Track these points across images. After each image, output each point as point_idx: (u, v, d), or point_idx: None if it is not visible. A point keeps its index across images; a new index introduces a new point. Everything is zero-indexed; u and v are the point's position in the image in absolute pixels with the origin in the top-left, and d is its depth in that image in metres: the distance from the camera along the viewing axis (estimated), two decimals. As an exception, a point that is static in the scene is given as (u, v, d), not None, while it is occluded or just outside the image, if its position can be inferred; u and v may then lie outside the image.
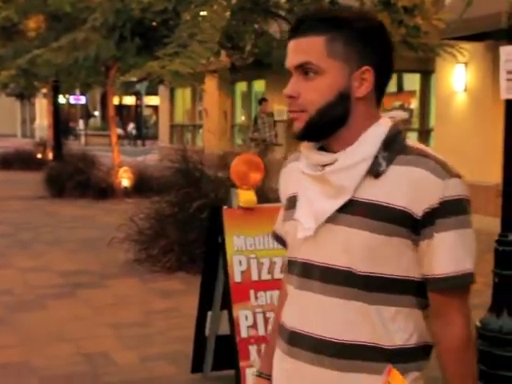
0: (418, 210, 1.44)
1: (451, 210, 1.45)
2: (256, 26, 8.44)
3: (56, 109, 18.27)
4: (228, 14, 7.90)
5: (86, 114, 43.57)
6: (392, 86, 15.98)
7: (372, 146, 1.48)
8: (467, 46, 9.95)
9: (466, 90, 11.56)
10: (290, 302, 1.62)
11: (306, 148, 1.55)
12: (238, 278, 3.73)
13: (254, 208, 3.87)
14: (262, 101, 15.37)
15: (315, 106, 1.47)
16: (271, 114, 15.19)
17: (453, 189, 1.45)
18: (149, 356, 4.80)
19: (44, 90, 21.48)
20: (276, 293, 3.75)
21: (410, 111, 15.39)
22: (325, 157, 1.51)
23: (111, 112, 14.51)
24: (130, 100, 46.93)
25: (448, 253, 1.46)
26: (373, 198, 1.46)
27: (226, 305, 3.79)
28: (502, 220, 4.57)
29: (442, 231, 1.45)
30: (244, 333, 3.66)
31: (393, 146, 1.49)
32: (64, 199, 13.43)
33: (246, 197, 3.85)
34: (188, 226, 7.14)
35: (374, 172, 1.47)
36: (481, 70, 11.16)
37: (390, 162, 1.47)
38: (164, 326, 5.46)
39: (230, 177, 4.00)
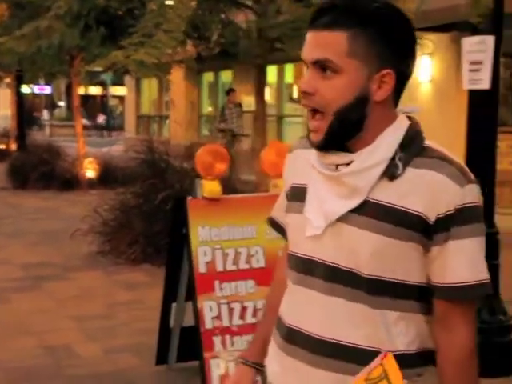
0: (432, 215, 1.40)
1: (467, 218, 1.40)
2: (222, 15, 8.40)
3: (19, 99, 18.01)
4: (194, 3, 7.85)
5: (51, 104, 43.01)
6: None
7: (389, 148, 1.43)
8: (432, 37, 10.03)
9: (431, 81, 11.66)
10: (288, 296, 1.59)
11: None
12: (202, 268, 3.72)
13: (219, 199, 3.85)
14: (229, 91, 15.33)
15: (333, 107, 1.41)
16: (239, 105, 15.15)
17: (470, 196, 1.40)
18: (113, 348, 4.76)
19: (7, 80, 21.12)
20: (241, 283, 3.75)
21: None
22: (340, 157, 1.45)
23: (76, 102, 14.33)
24: (95, 90, 46.44)
25: (461, 262, 1.41)
26: (386, 200, 1.42)
27: (191, 296, 3.78)
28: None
29: (458, 239, 1.40)
30: (208, 324, 3.65)
31: (411, 148, 1.44)
32: (27, 190, 13.25)
33: (210, 187, 3.83)
34: (153, 217, 7.10)
35: (390, 174, 1.42)
36: (445, 61, 11.26)
37: (406, 164, 1.42)
38: (128, 318, 5.43)
39: (195, 167, 3.98)
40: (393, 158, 1.42)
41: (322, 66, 1.41)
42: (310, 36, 1.44)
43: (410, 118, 1.50)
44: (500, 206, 5.15)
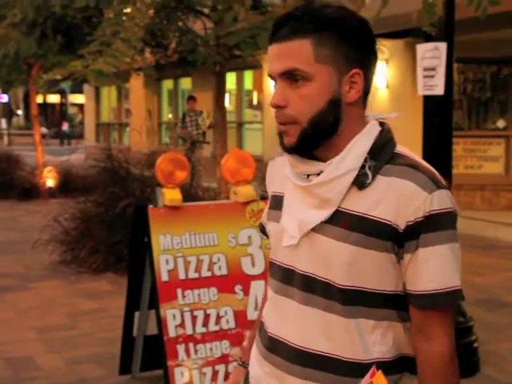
0: (401, 223, 1.38)
1: (437, 225, 1.38)
2: (180, 23, 8.40)
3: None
4: (151, 11, 7.85)
5: (9, 112, 42.40)
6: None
7: (358, 156, 1.41)
8: (387, 43, 10.18)
9: (387, 87, 11.82)
10: (269, 305, 1.60)
11: (291, 156, 1.49)
12: (165, 277, 3.73)
13: (179, 206, 3.86)
14: (189, 99, 15.31)
15: (306, 116, 1.40)
16: (199, 112, 15.15)
17: (438, 202, 1.38)
18: (75, 359, 4.73)
19: (-37, 89, 20.78)
20: (203, 291, 3.76)
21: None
22: (311, 167, 1.44)
23: (34, 111, 14.18)
24: (54, 98, 45.92)
25: (431, 269, 1.39)
26: (357, 210, 1.41)
27: (154, 304, 3.78)
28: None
29: (427, 246, 1.38)
30: (172, 332, 3.65)
31: (381, 155, 1.42)
32: (-14, 201, 13.05)
33: (171, 195, 3.84)
34: (114, 225, 7.06)
35: (359, 183, 1.41)
36: (401, 67, 11.44)
37: (376, 172, 1.41)
38: (91, 327, 5.39)
39: (156, 175, 3.99)
40: (362, 167, 1.41)
41: (290, 76, 1.40)
42: (272, 50, 1.42)
43: (382, 123, 1.49)
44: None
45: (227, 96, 17.36)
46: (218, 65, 7.99)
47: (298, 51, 1.38)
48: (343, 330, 1.44)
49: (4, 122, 39.12)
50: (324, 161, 1.44)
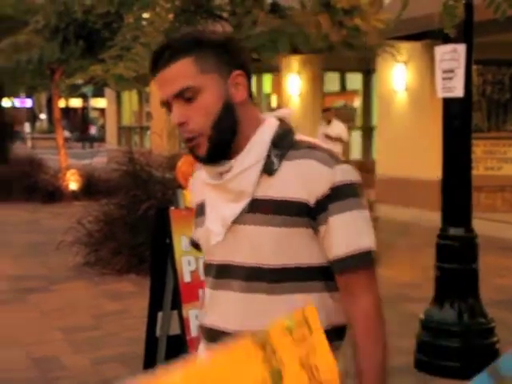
0: (311, 198, 1.52)
1: (341, 195, 1.52)
2: (199, 28, 8.47)
3: (0, 112, 17.93)
4: (171, 16, 7.91)
5: (33, 117, 42.79)
6: (336, 86, 16.18)
7: (262, 147, 1.55)
8: (406, 46, 10.18)
9: (406, 89, 11.81)
10: (208, 303, 1.68)
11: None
12: (187, 278, 3.78)
13: (200, 209, 3.91)
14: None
15: (208, 125, 1.53)
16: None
17: (341, 175, 1.53)
18: (100, 359, 4.81)
19: (-13, 94, 21.03)
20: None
21: (354, 110, 15.64)
22: (221, 166, 1.57)
23: (57, 115, 14.35)
24: (76, 102, 46.27)
25: (341, 235, 1.53)
26: (271, 195, 1.54)
27: (176, 305, 3.84)
28: (443, 215, 4.71)
29: (335, 214, 1.52)
30: (194, 332, 3.71)
31: (283, 144, 1.57)
32: (10, 203, 13.21)
33: (191, 197, 3.89)
34: (137, 227, 7.15)
35: (268, 170, 1.55)
36: (419, 69, 11.41)
37: (281, 158, 1.55)
38: (115, 328, 5.47)
39: (177, 178, 4.05)
40: (268, 156, 1.55)
41: (183, 95, 1.52)
42: (159, 78, 1.55)
43: (280, 119, 1.63)
44: (477, 211, 5.26)
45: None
46: (237, 68, 8.03)
47: (183, 71, 1.51)
48: (279, 307, 1.53)
49: (28, 126, 39.51)
50: (231, 159, 1.57)
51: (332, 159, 1.54)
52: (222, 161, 1.57)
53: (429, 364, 4.51)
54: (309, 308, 1.39)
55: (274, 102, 17.73)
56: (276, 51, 7.22)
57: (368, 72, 14.51)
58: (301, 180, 1.53)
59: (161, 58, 1.53)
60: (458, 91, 4.48)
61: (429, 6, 7.96)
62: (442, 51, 4.55)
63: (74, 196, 13.26)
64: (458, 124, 4.58)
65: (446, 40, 4.52)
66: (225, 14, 8.06)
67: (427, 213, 10.27)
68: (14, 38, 11.43)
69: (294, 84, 15.15)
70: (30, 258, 8.18)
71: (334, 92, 16.07)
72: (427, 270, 5.68)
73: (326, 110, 11.44)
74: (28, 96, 35.37)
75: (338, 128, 11.02)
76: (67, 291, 6.66)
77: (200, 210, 1.69)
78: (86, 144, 36.51)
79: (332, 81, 15.82)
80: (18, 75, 12.81)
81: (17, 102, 37.69)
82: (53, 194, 13.43)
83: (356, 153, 15.31)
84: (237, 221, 1.57)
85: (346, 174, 1.54)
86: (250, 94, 1.60)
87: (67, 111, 43.64)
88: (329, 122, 11.09)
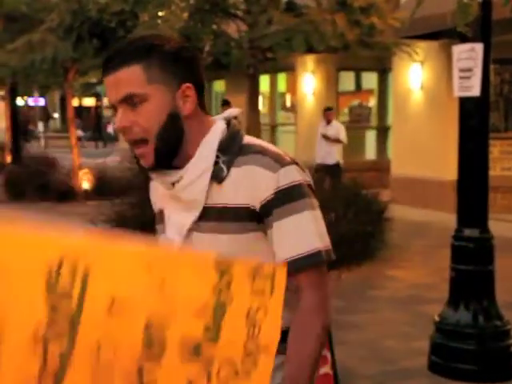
0: (256, 204, 1.53)
1: (285, 198, 1.52)
2: (214, 26, 8.46)
3: (14, 111, 18.04)
4: (186, 14, 7.91)
5: (46, 116, 43.05)
6: (351, 85, 16.14)
7: (209, 154, 1.56)
8: (422, 45, 10.12)
9: (422, 88, 11.74)
10: None
11: (152, 172, 1.61)
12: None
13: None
14: (224, 103, 15.37)
15: (152, 132, 1.52)
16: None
17: (284, 178, 1.52)
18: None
19: (1, 93, 21.18)
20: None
21: (369, 109, 15.58)
22: (171, 176, 1.58)
23: (70, 114, 14.37)
24: (90, 101, 46.49)
25: (288, 238, 1.53)
26: (221, 202, 1.56)
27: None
28: (458, 216, 4.66)
29: (279, 219, 1.53)
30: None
31: (231, 149, 1.57)
32: (23, 203, 13.25)
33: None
34: (149, 227, 7.12)
35: (217, 178, 1.55)
36: (436, 68, 11.35)
37: (230, 164, 1.56)
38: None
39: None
40: (217, 163, 1.55)
41: (128, 101, 1.51)
42: (108, 81, 1.53)
43: (228, 121, 1.62)
44: (493, 212, 5.20)
45: (260, 98, 17.41)
46: (251, 67, 8.02)
47: (131, 77, 1.50)
48: None
49: (41, 125, 39.75)
50: (181, 168, 1.57)
51: (276, 163, 1.53)
52: (172, 170, 1.57)
53: (443, 366, 4.47)
54: (280, 267, 1.33)
55: (288, 101, 17.70)
56: (291, 50, 7.20)
57: (383, 71, 14.45)
58: (246, 186, 1.54)
59: (111, 62, 1.52)
60: (475, 90, 4.43)
61: (445, 4, 7.90)
62: (459, 50, 4.50)
63: (87, 195, 13.28)
64: (474, 124, 4.53)
65: (464, 39, 4.47)
66: (240, 13, 8.05)
67: (442, 213, 10.20)
68: (29, 36, 11.47)
69: (308, 83, 15.12)
70: (43, 257, 8.17)
71: (348, 91, 16.02)
72: (442, 272, 5.62)
73: (327, 110, 11.34)
74: (41, 95, 35.57)
75: (336, 129, 10.95)
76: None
77: (159, 218, 1.72)
78: (99, 143, 36.68)
79: (347, 80, 15.78)
80: (32, 74, 12.85)
81: (30, 101, 37.92)
82: (66, 194, 13.46)
83: (371, 153, 15.26)
84: (193, 229, 1.58)
85: (289, 176, 1.54)
86: (202, 104, 1.60)
87: (80, 110, 43.86)
88: (329, 122, 11.03)
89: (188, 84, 1.55)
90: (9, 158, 18.40)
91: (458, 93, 4.53)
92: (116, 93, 1.52)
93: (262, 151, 1.56)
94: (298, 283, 1.54)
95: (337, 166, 10.69)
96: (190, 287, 1.20)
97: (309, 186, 1.58)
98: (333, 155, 10.84)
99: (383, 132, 14.91)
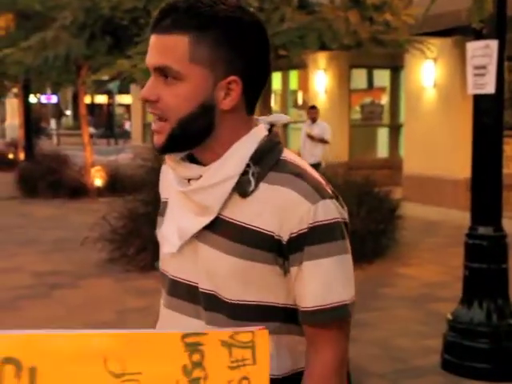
0: (285, 234, 1.31)
1: (321, 236, 1.30)
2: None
3: (27, 108, 18.12)
4: (199, 11, 7.92)
5: (58, 113, 43.21)
6: (363, 83, 16.10)
7: (239, 161, 1.33)
8: (436, 42, 10.06)
9: (435, 86, 11.68)
10: (160, 320, 1.53)
11: (170, 158, 1.40)
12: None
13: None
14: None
15: (176, 114, 1.30)
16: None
17: (323, 213, 1.30)
18: (124, 355, 4.80)
19: (14, 90, 21.27)
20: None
21: (381, 107, 15.54)
22: (190, 170, 1.37)
23: (83, 111, 14.42)
24: (102, 99, 46.63)
25: (315, 284, 1.31)
26: (239, 219, 1.33)
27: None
28: (472, 213, 4.64)
29: (311, 259, 1.30)
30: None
31: (265, 161, 1.34)
32: (36, 199, 13.33)
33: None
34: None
35: (241, 191, 1.32)
36: (449, 66, 11.29)
37: (260, 179, 1.32)
38: (138, 324, 5.46)
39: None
40: (245, 173, 1.32)
41: (163, 72, 1.30)
42: (152, 41, 1.32)
43: (270, 128, 1.40)
44: (507, 210, 5.17)
45: (272, 96, 17.39)
46: (264, 65, 8.01)
47: (173, 48, 1.28)
48: None
49: (53, 122, 39.89)
50: (204, 165, 1.36)
51: (316, 192, 1.31)
52: (193, 164, 1.37)
53: (456, 365, 4.45)
54: (261, 332, 1.22)
55: (300, 99, 17.68)
56: (304, 48, 7.17)
57: (396, 69, 14.40)
58: (276, 210, 1.30)
59: (163, 20, 1.29)
60: (490, 88, 4.41)
61: (459, 1, 7.86)
62: (473, 47, 4.48)
63: (99, 192, 13.33)
64: (488, 121, 4.51)
65: (478, 36, 4.44)
66: (252, 10, 8.04)
67: (455, 211, 10.15)
68: (42, 34, 11.50)
69: (320, 81, 15.09)
70: (56, 254, 8.23)
71: (361, 89, 15.98)
72: (455, 270, 5.60)
73: (311, 108, 11.06)
74: (54, 92, 35.69)
75: (322, 128, 10.63)
76: (92, 287, 6.68)
77: (163, 209, 1.50)
78: (110, 140, 36.77)
79: (359, 77, 15.73)
80: (45, 71, 12.89)
81: (43, 99, 38.07)
82: (78, 191, 13.52)
83: (383, 150, 15.22)
84: (197, 237, 1.36)
85: (329, 212, 1.31)
86: (251, 104, 1.36)
87: (92, 107, 44.01)
88: (313, 120, 10.71)
89: (235, 77, 1.30)
90: (22, 155, 18.50)
91: (471, 90, 4.50)
92: (153, 58, 1.31)
93: (302, 174, 1.33)
94: (311, 337, 1.35)
95: (317, 165, 10.14)
96: (156, 370, 1.15)
97: (345, 224, 1.36)
98: (315, 155, 10.41)
99: (395, 130, 14.86)
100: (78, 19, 10.71)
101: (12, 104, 32.19)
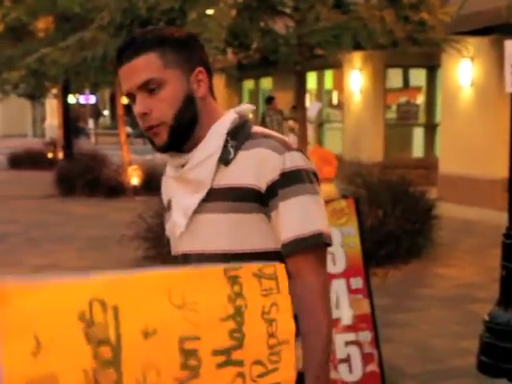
0: (262, 184, 1.58)
1: (290, 180, 1.58)
2: (262, 23, 8.47)
3: (66, 109, 18.38)
4: (234, 12, 7.94)
5: (96, 113, 43.69)
6: (398, 82, 15.98)
7: (218, 138, 1.63)
8: (473, 41, 9.96)
9: (472, 85, 11.56)
10: None
11: (163, 155, 1.69)
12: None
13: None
14: (269, 99, 15.38)
15: (170, 113, 1.60)
16: (280, 112, 15.21)
17: (290, 161, 1.59)
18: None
19: (54, 91, 21.60)
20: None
21: (417, 106, 15.42)
22: (181, 158, 1.65)
23: (120, 111, 14.58)
24: (138, 99, 46.95)
25: (291, 218, 1.58)
26: (227, 183, 1.61)
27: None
28: (509, 214, 4.60)
29: (284, 200, 1.57)
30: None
31: (239, 135, 1.64)
32: (74, 198, 13.53)
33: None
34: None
35: (224, 160, 1.62)
36: (486, 65, 11.16)
37: (238, 148, 1.62)
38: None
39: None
40: (225, 147, 1.62)
41: (147, 87, 1.59)
42: (124, 71, 1.61)
43: (238, 113, 1.69)
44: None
45: (307, 96, 17.38)
46: (298, 64, 8.01)
47: (148, 64, 1.58)
48: None
49: (91, 122, 40.36)
50: (189, 152, 1.65)
51: (283, 147, 1.60)
52: (183, 153, 1.64)
53: (492, 366, 4.41)
54: (280, 266, 1.43)
55: (335, 98, 17.63)
56: (339, 47, 7.16)
57: (432, 68, 14.28)
58: (253, 167, 1.59)
59: (126, 52, 1.60)
60: (528, 86, 4.36)
61: (497, -1, 7.77)
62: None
63: (136, 191, 13.47)
64: (526, 120, 4.46)
65: (516, 34, 4.40)
66: (288, 10, 8.04)
67: (492, 212, 10.04)
68: (80, 35, 11.65)
69: (355, 80, 15.03)
70: (93, 252, 8.34)
71: (396, 88, 15.87)
72: (492, 271, 5.55)
73: (294, 107, 11.00)
74: (92, 92, 36.11)
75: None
76: (128, 284, 6.75)
77: (168, 207, 1.77)
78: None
79: (395, 77, 15.63)
80: (83, 72, 13.06)
81: (81, 99, 38.54)
82: (115, 189, 13.67)
83: (418, 150, 15.10)
84: (197, 211, 1.63)
85: (295, 160, 1.60)
86: (212, 89, 1.69)
87: (129, 108, 44.33)
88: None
89: (200, 68, 1.64)
90: (61, 155, 18.78)
91: (510, 89, 4.47)
92: (134, 80, 1.59)
93: (270, 136, 1.63)
94: (296, 268, 1.57)
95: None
96: (208, 300, 1.31)
97: (314, 173, 1.63)
98: None
99: (431, 129, 14.73)
100: (115, 20, 10.82)
101: (51, 104, 32.67)
